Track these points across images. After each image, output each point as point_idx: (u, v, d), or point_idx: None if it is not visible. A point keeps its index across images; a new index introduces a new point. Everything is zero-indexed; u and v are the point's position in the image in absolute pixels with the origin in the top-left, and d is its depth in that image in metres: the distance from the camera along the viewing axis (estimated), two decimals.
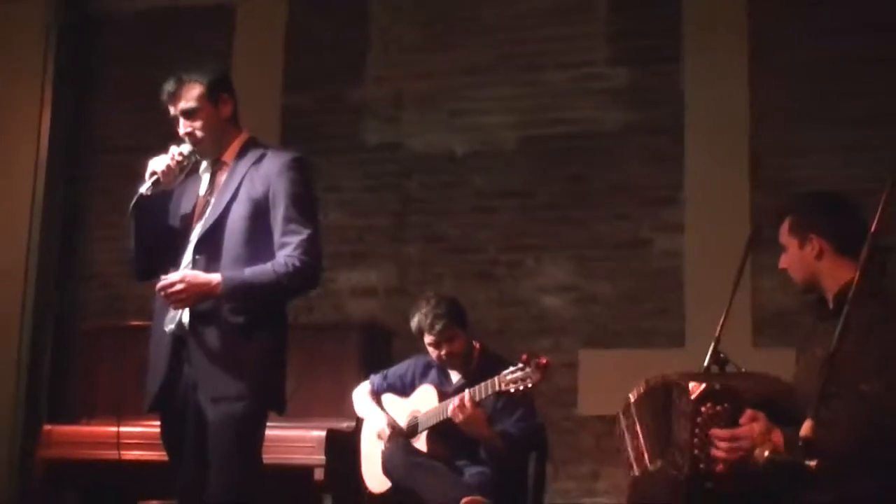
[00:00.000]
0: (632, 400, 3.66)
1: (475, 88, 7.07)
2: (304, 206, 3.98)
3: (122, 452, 5.88)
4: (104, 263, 7.49)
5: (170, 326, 3.96)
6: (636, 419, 3.64)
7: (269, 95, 7.22)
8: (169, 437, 4.09)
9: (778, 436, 3.18)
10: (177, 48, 7.39)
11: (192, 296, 3.82)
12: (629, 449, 3.69)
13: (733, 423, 3.27)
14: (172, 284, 3.81)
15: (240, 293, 3.84)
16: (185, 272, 3.86)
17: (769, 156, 6.51)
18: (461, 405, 4.83)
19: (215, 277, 3.84)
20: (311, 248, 3.92)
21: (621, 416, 3.74)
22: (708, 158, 6.59)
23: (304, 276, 3.92)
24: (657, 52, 6.81)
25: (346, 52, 7.33)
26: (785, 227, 3.66)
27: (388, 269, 7.07)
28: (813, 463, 2.84)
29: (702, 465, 3.26)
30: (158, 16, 7.70)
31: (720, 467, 3.23)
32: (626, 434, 3.70)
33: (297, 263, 3.87)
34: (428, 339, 5.22)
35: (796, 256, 3.62)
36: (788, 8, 6.61)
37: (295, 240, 3.90)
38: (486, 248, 6.92)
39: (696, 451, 3.27)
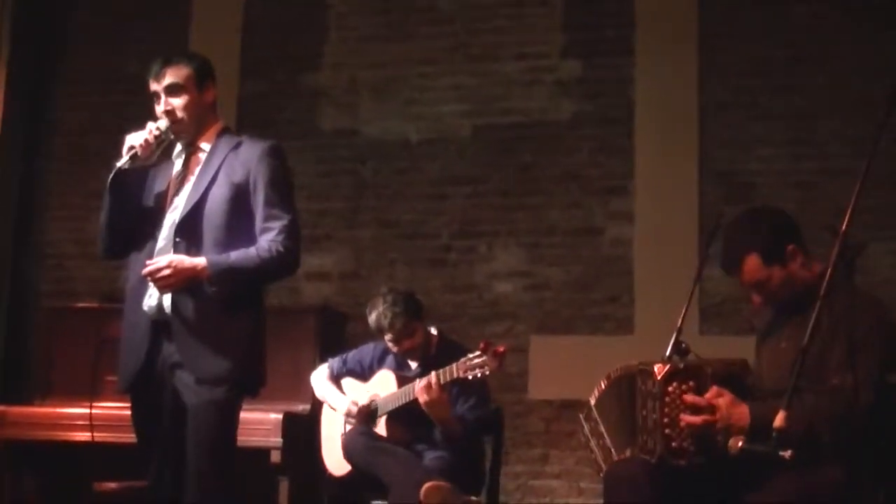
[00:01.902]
0: (592, 402, 3.77)
1: (430, 77, 7.15)
2: (284, 192, 4.04)
3: (78, 434, 5.98)
4: (58, 244, 7.50)
5: (149, 304, 3.98)
6: (599, 420, 3.74)
7: (225, 79, 7.12)
8: (141, 420, 4.09)
9: (744, 410, 3.32)
10: (134, 32, 7.43)
11: (179, 280, 3.85)
12: (595, 449, 3.80)
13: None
14: (160, 269, 3.84)
15: (226, 277, 3.88)
16: (171, 257, 3.88)
17: (717, 147, 6.65)
18: (428, 385, 4.88)
19: (201, 261, 3.87)
20: (292, 234, 3.97)
21: (583, 421, 3.84)
22: (658, 149, 6.70)
23: (287, 262, 3.99)
24: (609, 45, 6.91)
25: (304, 38, 7.37)
26: (755, 263, 3.61)
27: (343, 254, 7.12)
28: (788, 453, 2.94)
29: (674, 444, 3.39)
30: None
31: (691, 444, 3.36)
32: (591, 437, 3.81)
33: (281, 249, 3.93)
34: (388, 336, 5.29)
35: (786, 276, 3.60)
36: (737, 5, 6.74)
37: (277, 225, 3.96)
38: (440, 233, 7.00)
39: (666, 431, 3.39)
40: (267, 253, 3.92)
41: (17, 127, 7.50)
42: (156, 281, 3.87)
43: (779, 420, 2.96)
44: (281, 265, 3.98)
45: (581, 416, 3.87)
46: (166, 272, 3.84)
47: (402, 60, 7.20)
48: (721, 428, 3.32)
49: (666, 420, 3.40)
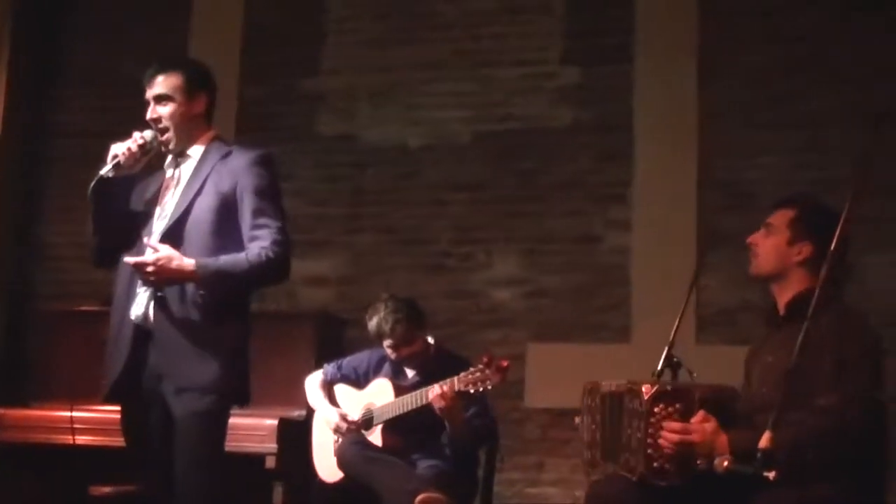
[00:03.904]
0: (602, 390, 3.72)
1: (430, 83, 7.14)
2: (272, 199, 4.02)
3: (76, 437, 5.96)
4: (58, 246, 7.49)
5: (136, 313, 3.96)
6: (598, 409, 3.71)
7: (225, 84, 7.10)
8: (130, 428, 4.09)
9: (724, 440, 3.31)
10: (135, 36, 7.43)
11: (163, 280, 3.83)
12: (584, 429, 3.77)
13: (685, 422, 3.40)
14: (145, 265, 3.81)
15: (215, 280, 3.85)
16: (160, 254, 3.82)
17: (717, 156, 6.61)
18: (443, 393, 4.83)
19: (189, 264, 3.84)
20: (282, 240, 3.95)
21: (586, 395, 3.80)
22: (657, 157, 6.69)
23: (276, 268, 3.95)
24: (609, 52, 6.89)
25: (303, 43, 7.37)
26: (787, 215, 3.64)
27: (341, 259, 7.12)
28: (771, 474, 2.94)
29: (655, 464, 3.38)
30: (116, 2, 7.70)
31: (672, 466, 3.35)
32: (587, 414, 3.78)
33: (271, 255, 3.90)
34: (387, 342, 5.27)
35: (780, 248, 3.62)
36: (738, 13, 6.72)
37: (266, 232, 3.94)
38: (438, 240, 6.99)
39: (649, 451, 3.38)
40: (257, 258, 3.90)
41: (18, 129, 7.50)
42: (142, 275, 3.85)
43: (764, 440, 2.95)
44: (270, 272, 3.95)
45: (586, 389, 3.80)
46: (150, 269, 3.82)
47: (402, 66, 7.20)
48: (701, 451, 3.31)
49: (649, 440, 3.39)
